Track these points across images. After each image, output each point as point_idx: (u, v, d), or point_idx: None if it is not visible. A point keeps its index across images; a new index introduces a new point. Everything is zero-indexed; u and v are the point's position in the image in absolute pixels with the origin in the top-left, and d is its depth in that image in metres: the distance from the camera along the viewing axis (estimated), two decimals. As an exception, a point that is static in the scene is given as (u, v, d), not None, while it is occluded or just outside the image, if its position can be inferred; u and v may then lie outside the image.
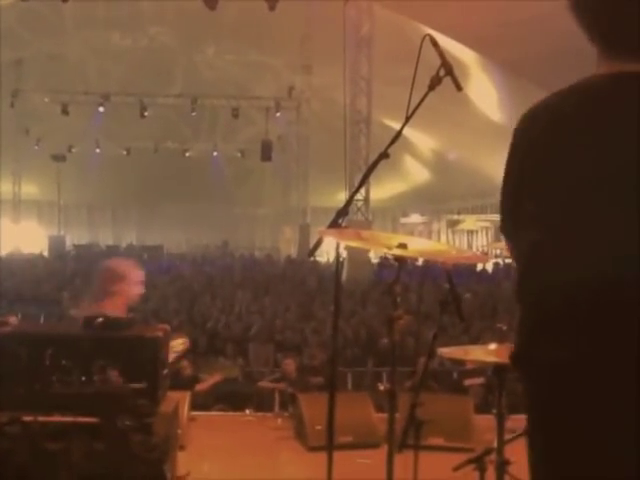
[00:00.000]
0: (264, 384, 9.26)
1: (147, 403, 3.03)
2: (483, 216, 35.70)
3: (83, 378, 3.05)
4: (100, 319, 3.24)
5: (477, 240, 36.12)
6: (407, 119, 2.75)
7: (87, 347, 3.12)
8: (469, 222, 35.64)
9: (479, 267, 27.77)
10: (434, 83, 2.66)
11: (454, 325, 11.06)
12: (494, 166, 31.98)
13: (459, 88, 2.62)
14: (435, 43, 2.66)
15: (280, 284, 18.34)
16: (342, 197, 22.16)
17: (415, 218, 40.61)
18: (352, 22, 21.99)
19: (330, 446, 2.90)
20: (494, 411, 2.74)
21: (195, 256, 29.29)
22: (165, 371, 3.35)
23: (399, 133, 2.87)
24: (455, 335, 11.03)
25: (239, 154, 33.75)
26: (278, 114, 29.29)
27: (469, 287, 17.32)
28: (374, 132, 21.87)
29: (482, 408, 6.85)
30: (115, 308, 3.94)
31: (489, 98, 29.55)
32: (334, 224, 2.80)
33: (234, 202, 37.65)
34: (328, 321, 12.77)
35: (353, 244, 2.45)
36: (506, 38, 22.69)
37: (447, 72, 2.63)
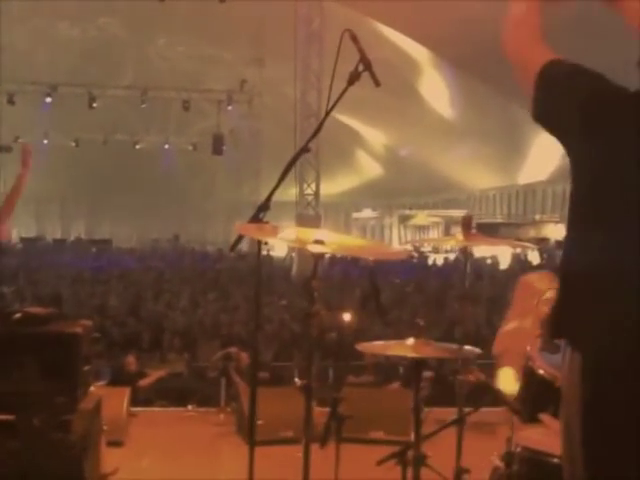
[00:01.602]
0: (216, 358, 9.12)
1: (65, 400, 2.97)
2: (434, 211, 36.06)
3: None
4: (18, 314, 3.16)
5: (428, 235, 36.44)
6: (327, 113, 2.74)
7: (3, 343, 3.05)
8: (420, 217, 35.95)
9: (430, 261, 28.06)
10: (353, 78, 2.65)
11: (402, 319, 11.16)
12: (445, 162, 32.35)
13: (377, 84, 2.61)
14: (354, 38, 2.65)
15: (229, 279, 18.25)
16: (294, 191, 22.12)
17: (367, 213, 40.80)
18: (303, 17, 21.99)
19: (252, 442, 2.88)
20: (411, 406, 2.75)
21: (144, 250, 28.97)
22: (86, 367, 3.28)
23: (319, 128, 2.86)
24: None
25: (191, 147, 33.45)
26: (230, 107, 29.10)
27: (416, 281, 17.47)
28: (325, 126, 21.73)
29: (430, 401, 6.91)
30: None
31: (441, 95, 29.82)
32: (255, 219, 2.78)
33: (185, 196, 37.35)
34: (275, 316, 12.76)
35: (271, 240, 2.42)
36: (458, 36, 22.90)
37: (365, 67, 2.62)
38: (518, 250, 27.95)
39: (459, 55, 24.41)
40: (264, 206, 2.81)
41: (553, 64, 1.83)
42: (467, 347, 2.80)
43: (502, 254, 27.22)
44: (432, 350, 2.78)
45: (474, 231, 3.11)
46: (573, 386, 1.70)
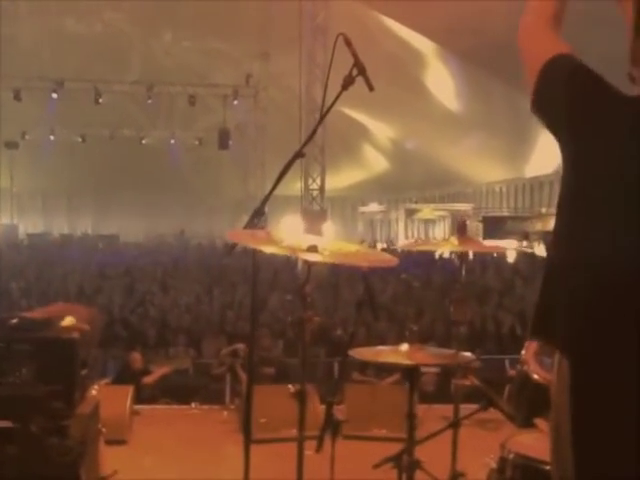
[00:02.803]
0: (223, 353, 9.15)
1: (63, 405, 2.98)
2: (441, 205, 35.97)
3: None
4: (15, 320, 3.17)
5: (434, 229, 36.38)
6: (322, 118, 2.73)
7: (0, 348, 3.05)
8: (426, 211, 35.87)
9: (437, 255, 27.98)
10: (347, 83, 2.64)
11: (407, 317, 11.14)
12: (451, 155, 32.25)
13: (371, 88, 2.60)
14: (349, 42, 2.64)
15: (235, 274, 18.24)
16: (299, 185, 22.11)
17: (373, 207, 40.74)
18: (308, 10, 21.94)
19: (247, 441, 2.88)
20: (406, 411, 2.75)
21: (151, 246, 29.00)
22: (84, 372, 3.29)
23: (313, 132, 2.86)
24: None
25: (197, 142, 33.47)
26: (236, 102, 29.08)
27: (425, 276, 17.42)
28: (332, 120, 21.78)
29: (435, 397, 6.91)
30: None
31: (446, 88, 29.71)
32: (250, 224, 2.78)
33: (191, 191, 37.38)
34: (281, 312, 12.76)
35: (263, 248, 2.42)
36: (463, 28, 22.82)
37: (359, 72, 2.61)
38: (524, 243, 27.88)
39: (465, 47, 24.31)
40: (259, 211, 2.81)
41: (558, 59, 1.80)
42: (462, 353, 2.79)
43: (509, 247, 27.14)
44: (426, 356, 2.77)
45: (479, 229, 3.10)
46: (562, 391, 1.69)
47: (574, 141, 1.74)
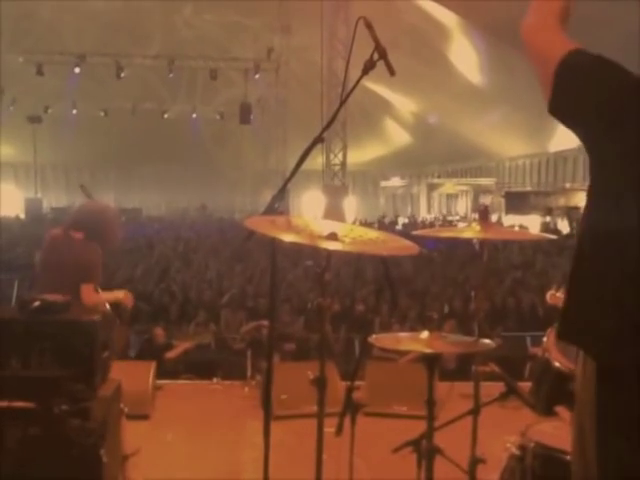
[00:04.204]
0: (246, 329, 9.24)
1: (84, 388, 3.01)
2: (463, 180, 35.74)
3: (18, 362, 3.02)
4: (36, 302, 3.20)
5: (456, 204, 36.19)
6: (341, 104, 2.70)
7: (22, 331, 3.09)
8: (448, 186, 35.68)
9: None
10: (367, 67, 2.61)
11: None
12: (474, 129, 31.95)
13: (392, 73, 2.57)
14: (369, 26, 2.60)
15: (255, 250, 18.28)
16: (320, 160, 22.06)
17: (395, 182, 40.57)
18: (330, -17, 21.72)
19: (267, 417, 2.89)
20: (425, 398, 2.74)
21: (173, 219, 29.12)
22: (105, 354, 3.32)
23: (334, 117, 2.83)
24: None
25: (218, 116, 33.42)
26: (257, 76, 28.96)
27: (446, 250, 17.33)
28: (353, 95, 21.54)
29: (456, 374, 6.92)
30: None
31: (470, 61, 29.34)
32: (269, 210, 2.76)
33: (213, 165, 37.40)
34: (302, 285, 12.78)
35: (282, 237, 2.40)
36: (487, 1, 22.47)
37: (381, 56, 2.57)
38: (547, 219, 27.65)
39: (489, 20, 23.95)
40: (279, 196, 2.79)
41: (575, 54, 1.75)
42: (483, 340, 2.77)
43: (531, 223, 26.97)
44: (446, 345, 2.75)
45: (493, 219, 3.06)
46: (587, 388, 1.68)
47: (616, 137, 1.69)
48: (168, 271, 14.73)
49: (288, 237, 2.36)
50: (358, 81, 2.64)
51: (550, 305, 3.68)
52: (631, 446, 1.63)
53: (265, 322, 8.63)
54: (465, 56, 29.11)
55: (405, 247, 2.39)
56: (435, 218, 33.07)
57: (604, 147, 1.70)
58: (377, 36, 2.57)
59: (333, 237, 2.42)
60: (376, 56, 2.59)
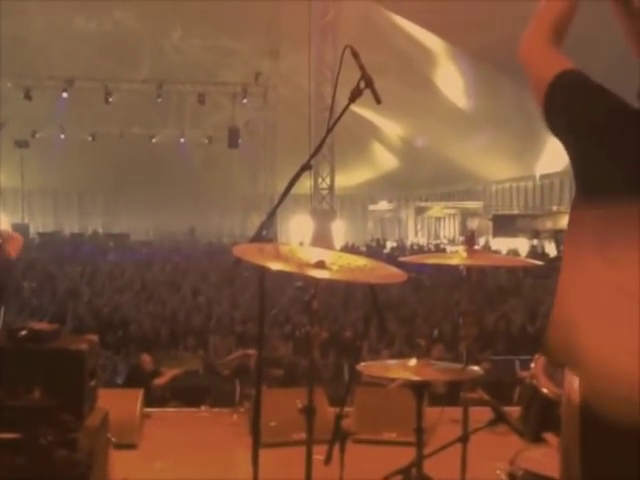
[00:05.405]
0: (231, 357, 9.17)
1: (71, 418, 2.98)
2: (451, 203, 35.90)
3: (5, 392, 2.99)
4: (23, 331, 3.17)
5: (444, 227, 36.32)
6: (328, 131, 2.72)
7: (9, 359, 3.06)
8: (436, 209, 35.83)
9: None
10: (354, 95, 2.63)
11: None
12: (461, 153, 32.15)
13: (378, 101, 2.59)
14: (356, 55, 2.62)
15: (244, 273, 18.24)
16: (308, 184, 22.12)
17: (383, 205, 40.70)
18: (317, 8, 21.91)
19: (256, 445, 2.87)
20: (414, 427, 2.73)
21: (161, 244, 29.05)
22: (93, 382, 3.29)
23: (321, 144, 2.84)
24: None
25: (206, 140, 33.50)
26: (245, 100, 29.09)
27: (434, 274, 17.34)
28: (341, 119, 21.70)
29: (446, 399, 6.89)
30: None
31: (456, 85, 29.61)
32: (257, 237, 2.76)
33: (201, 189, 37.39)
34: (292, 311, 12.76)
35: (270, 265, 2.41)
36: (473, 25, 22.72)
37: (367, 84, 2.60)
38: (535, 242, 27.78)
39: (475, 45, 24.22)
40: (267, 223, 2.80)
41: (564, 76, 1.76)
42: (470, 367, 2.78)
43: (521, 246, 27.08)
44: (434, 372, 2.75)
45: (477, 247, 3.08)
46: (572, 408, 1.68)
47: (586, 156, 1.72)
48: (156, 296, 14.67)
49: (276, 265, 2.36)
50: (345, 109, 2.66)
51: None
52: (616, 467, 1.64)
53: (251, 351, 8.58)
54: (452, 80, 29.38)
55: (393, 274, 2.40)
56: (426, 243, 33.24)
57: (596, 164, 1.72)
58: (363, 64, 2.59)
59: (321, 265, 2.43)
60: (362, 84, 2.62)
